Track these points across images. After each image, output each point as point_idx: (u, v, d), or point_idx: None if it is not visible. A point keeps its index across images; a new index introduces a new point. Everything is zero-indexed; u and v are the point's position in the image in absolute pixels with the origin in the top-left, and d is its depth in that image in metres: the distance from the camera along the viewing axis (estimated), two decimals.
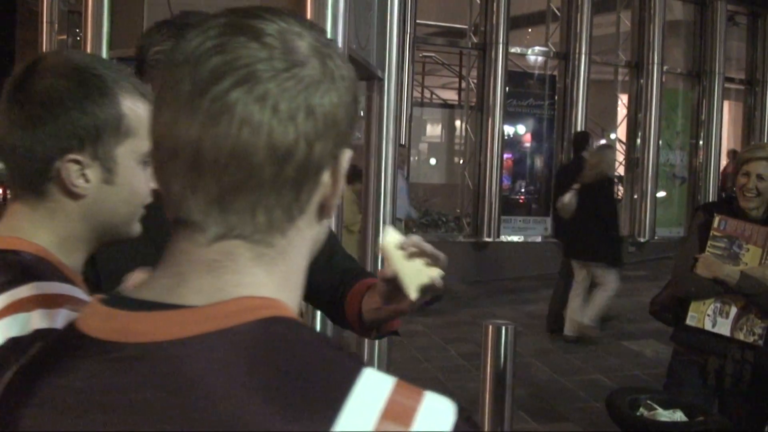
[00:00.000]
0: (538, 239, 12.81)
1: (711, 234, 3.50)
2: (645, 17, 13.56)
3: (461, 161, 13.26)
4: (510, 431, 3.74)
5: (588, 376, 6.89)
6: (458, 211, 12.73)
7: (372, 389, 0.73)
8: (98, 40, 4.51)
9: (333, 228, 5.41)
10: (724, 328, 3.47)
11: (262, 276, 0.80)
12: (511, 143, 13.14)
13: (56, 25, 9.85)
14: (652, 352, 7.74)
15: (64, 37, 9.79)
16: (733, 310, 3.47)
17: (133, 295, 0.80)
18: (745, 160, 3.52)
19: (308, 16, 3.65)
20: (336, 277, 2.01)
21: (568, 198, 8.10)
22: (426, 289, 1.69)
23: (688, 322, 3.53)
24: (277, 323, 0.76)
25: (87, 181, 1.23)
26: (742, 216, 3.48)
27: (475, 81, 12.47)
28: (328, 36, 3.02)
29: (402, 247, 1.66)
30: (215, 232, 0.79)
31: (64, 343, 0.81)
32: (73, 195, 1.24)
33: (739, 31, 15.39)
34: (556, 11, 13.11)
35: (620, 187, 14.18)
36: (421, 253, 1.67)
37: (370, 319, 1.98)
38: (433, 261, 1.68)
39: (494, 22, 11.96)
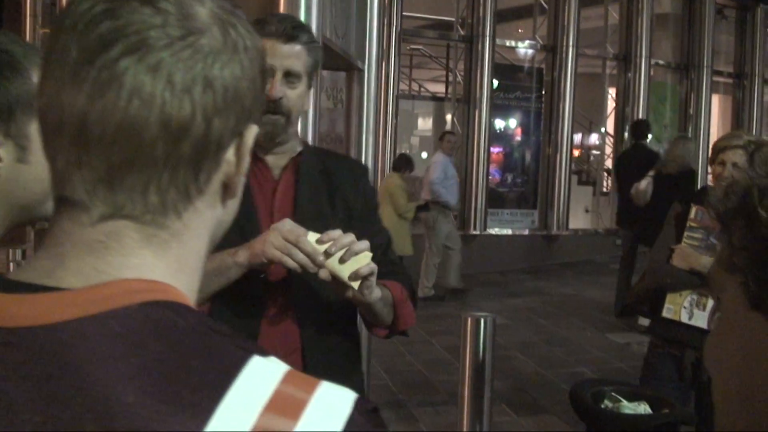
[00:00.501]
0: (526, 232, 12.80)
1: (687, 225, 3.43)
2: (633, 10, 13.54)
3: None
4: (489, 424, 3.72)
5: (571, 369, 6.87)
6: None
7: (258, 379, 0.67)
8: None
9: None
10: (701, 320, 3.40)
11: (151, 258, 0.75)
12: (499, 136, 13.12)
13: (40, 18, 9.79)
14: (636, 345, 7.72)
15: (48, 30, 9.73)
16: (710, 303, 3.38)
17: (12, 276, 0.75)
18: (721, 149, 3.43)
19: (281, 4, 3.60)
20: None
21: (645, 185, 8.14)
22: (360, 276, 1.85)
23: (665, 314, 3.45)
24: (160, 307, 0.71)
25: (0, 160, 1.18)
26: (701, 201, 3.43)
27: (462, 74, 12.43)
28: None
29: (321, 243, 1.84)
30: (101, 211, 0.73)
31: None
32: None
33: (727, 25, 15.39)
34: (544, 4, 13.07)
35: (610, 180, 14.20)
36: (341, 246, 1.84)
37: (366, 317, 2.11)
38: (355, 248, 1.85)
39: (481, 14, 11.92)
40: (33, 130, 1.19)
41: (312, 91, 2.10)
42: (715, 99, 15.65)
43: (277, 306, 2.02)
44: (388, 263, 2.16)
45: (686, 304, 3.42)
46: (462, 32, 12.34)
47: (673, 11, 14.85)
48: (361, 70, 5.24)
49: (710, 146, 12.74)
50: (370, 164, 5.37)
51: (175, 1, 0.73)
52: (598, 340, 8.02)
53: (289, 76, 2.02)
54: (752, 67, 15.30)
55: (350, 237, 1.85)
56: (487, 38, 11.89)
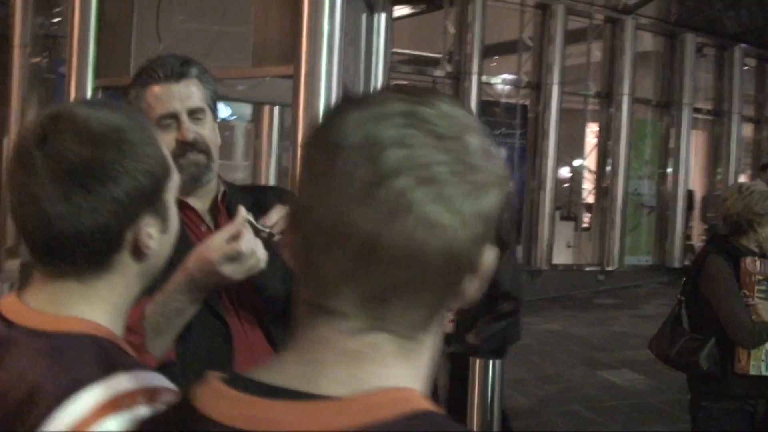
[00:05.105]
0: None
1: (755, 278, 3.51)
2: (615, 48, 13.74)
3: None
4: None
5: (566, 407, 6.89)
6: None
7: None
8: (83, 68, 4.46)
9: None
10: None
11: (401, 368, 0.79)
12: None
13: (29, 48, 9.72)
14: (626, 381, 7.77)
15: (38, 59, 9.66)
16: None
17: (261, 378, 0.77)
18: None
19: (303, 47, 3.65)
20: None
21: None
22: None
23: (752, 372, 3.49)
24: (422, 418, 0.74)
25: (152, 237, 1.16)
26: (745, 253, 3.54)
27: None
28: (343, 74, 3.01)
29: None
30: (364, 324, 0.77)
31: (185, 427, 0.78)
32: (142, 256, 1.16)
33: (706, 63, 15.64)
34: (528, 41, 13.24)
35: (591, 215, 14.33)
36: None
37: None
38: None
39: (468, 51, 12.04)
40: (168, 197, 1.18)
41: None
42: (695, 135, 15.88)
43: (244, 330, 1.97)
44: None
45: (763, 357, 3.49)
46: (449, 69, 12.45)
47: (654, 49, 15.08)
48: None
49: (689, 181, 13.00)
50: None
51: (457, 136, 0.78)
52: (588, 377, 8.06)
53: (194, 113, 1.97)
54: (730, 105, 15.53)
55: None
56: (474, 75, 12.00)
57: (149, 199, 1.14)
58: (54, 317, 1.10)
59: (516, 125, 13.16)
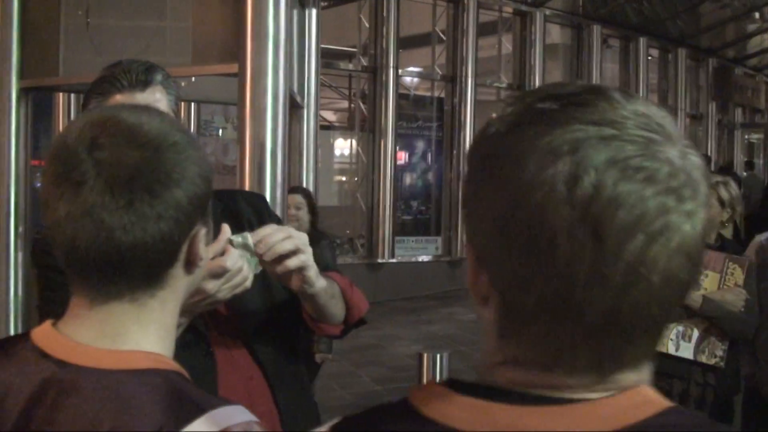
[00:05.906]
0: (429, 258, 12.94)
1: None
2: (525, 40, 13.96)
3: (352, 183, 13.26)
4: None
5: None
6: (348, 232, 12.72)
7: None
8: (6, 69, 4.29)
9: None
10: (687, 351, 3.55)
11: (635, 378, 0.77)
12: (402, 164, 13.25)
13: None
14: None
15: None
16: (695, 334, 3.55)
17: (497, 385, 0.75)
18: None
19: (248, 43, 3.56)
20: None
21: None
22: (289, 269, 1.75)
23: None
24: (676, 414, 0.74)
25: (203, 247, 1.09)
26: None
27: (363, 103, 12.52)
28: (274, 71, 2.91)
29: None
30: (598, 378, 0.74)
31: (409, 428, 0.76)
32: (193, 267, 1.08)
33: (612, 54, 16.06)
34: (441, 34, 13.33)
35: None
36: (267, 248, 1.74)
37: (311, 313, 1.95)
38: (278, 250, 1.74)
39: (384, 45, 12.06)
40: (210, 205, 1.11)
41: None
42: None
43: (226, 345, 1.91)
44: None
45: (672, 336, 3.54)
46: (365, 63, 12.43)
47: (562, 41, 15.38)
48: (301, 107, 5.23)
49: None
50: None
51: (676, 170, 0.71)
52: None
53: None
54: (636, 94, 15.95)
55: (276, 236, 1.73)
56: (391, 69, 12.02)
57: (203, 206, 1.06)
58: (113, 353, 1.01)
59: (432, 118, 13.24)
